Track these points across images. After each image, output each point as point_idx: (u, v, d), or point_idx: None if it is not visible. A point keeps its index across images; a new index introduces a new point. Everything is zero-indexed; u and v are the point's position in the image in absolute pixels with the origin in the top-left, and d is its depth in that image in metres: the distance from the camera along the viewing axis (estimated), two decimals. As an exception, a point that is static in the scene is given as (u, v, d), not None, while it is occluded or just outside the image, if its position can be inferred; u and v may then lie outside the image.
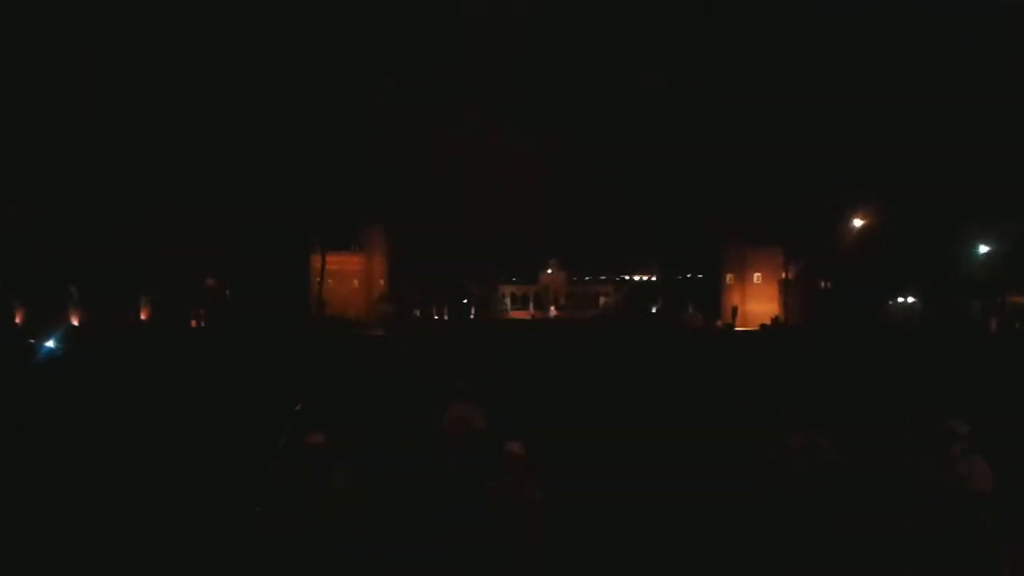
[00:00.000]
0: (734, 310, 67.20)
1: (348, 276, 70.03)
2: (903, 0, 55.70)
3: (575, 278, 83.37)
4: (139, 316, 51.72)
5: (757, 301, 67.87)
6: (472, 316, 74.89)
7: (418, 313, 70.20)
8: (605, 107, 67.79)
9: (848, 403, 14.40)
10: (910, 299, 56.55)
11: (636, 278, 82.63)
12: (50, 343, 29.90)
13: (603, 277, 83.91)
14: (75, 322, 45.58)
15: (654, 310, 73.85)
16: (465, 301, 77.78)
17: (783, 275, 66.05)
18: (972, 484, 5.97)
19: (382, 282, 72.42)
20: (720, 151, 60.02)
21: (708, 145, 60.41)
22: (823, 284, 63.55)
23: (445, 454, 9.20)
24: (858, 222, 57.11)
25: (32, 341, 30.43)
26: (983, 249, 51.63)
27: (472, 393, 9.71)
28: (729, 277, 71.19)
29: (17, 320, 42.92)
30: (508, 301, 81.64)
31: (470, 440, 9.15)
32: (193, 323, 53.88)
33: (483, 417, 9.48)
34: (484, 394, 9.94)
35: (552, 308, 79.29)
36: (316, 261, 63.63)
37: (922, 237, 50.55)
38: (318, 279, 62.71)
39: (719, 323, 65.65)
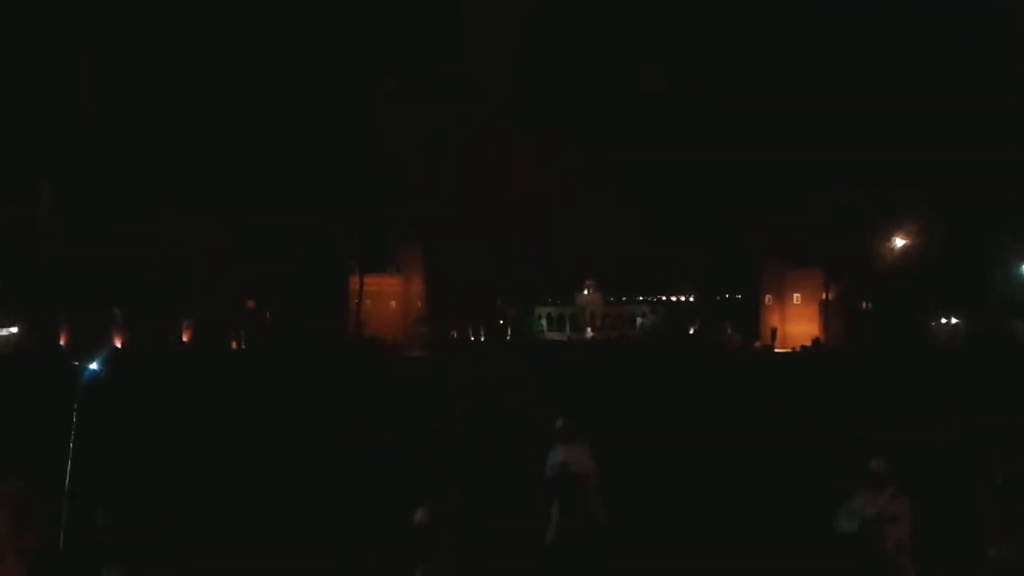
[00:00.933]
0: (773, 331, 66.45)
1: (386, 297, 70.30)
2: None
3: (611, 299, 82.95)
4: (181, 337, 52.42)
5: (797, 322, 66.98)
6: (508, 337, 74.90)
7: (455, 334, 70.32)
8: (640, 121, 67.38)
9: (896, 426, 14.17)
10: (953, 320, 55.58)
11: (673, 299, 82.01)
12: (94, 365, 30.34)
13: (640, 298, 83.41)
14: (118, 344, 46.29)
15: (692, 331, 73.29)
16: (501, 322, 77.80)
17: (823, 296, 65.12)
18: None
19: (419, 303, 72.60)
20: (758, 172, 59.72)
21: (746, 165, 60.05)
22: (864, 305, 62.61)
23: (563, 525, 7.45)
24: (900, 242, 56.35)
25: (77, 363, 30.90)
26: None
27: (577, 434, 8.12)
28: (768, 298, 70.39)
29: (62, 342, 43.69)
30: (544, 322, 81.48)
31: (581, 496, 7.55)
32: (234, 344, 54.48)
33: (595, 466, 7.88)
34: (590, 433, 8.37)
35: (589, 329, 78.99)
36: (354, 283, 64.05)
37: (965, 258, 49.75)
38: (356, 300, 63.12)
39: (758, 344, 64.98)
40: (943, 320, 56.52)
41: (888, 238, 56.91)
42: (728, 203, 63.73)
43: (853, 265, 59.97)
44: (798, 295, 68.21)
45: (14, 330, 42.64)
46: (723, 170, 62.17)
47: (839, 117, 55.49)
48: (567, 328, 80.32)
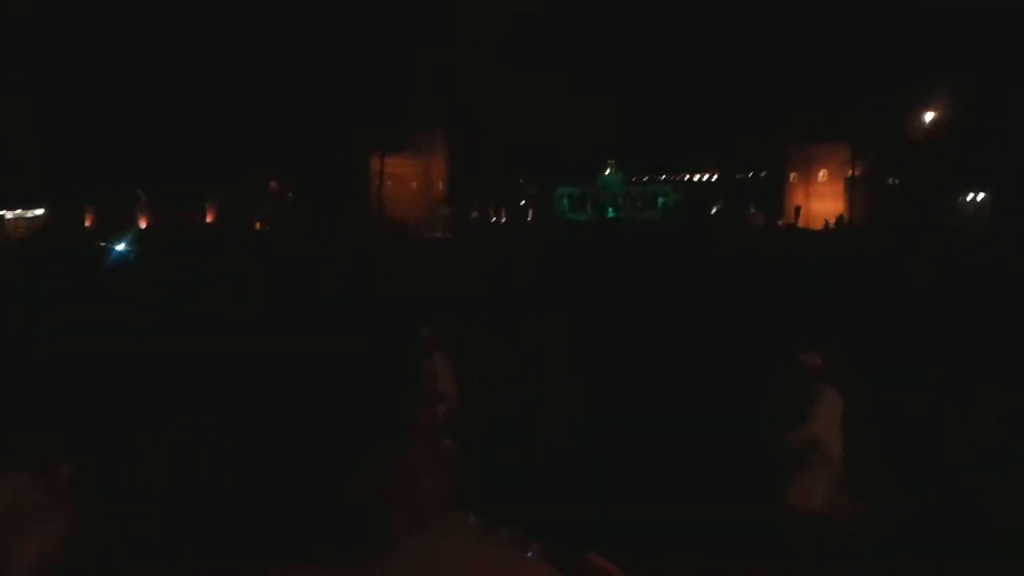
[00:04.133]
0: (797, 209, 65.83)
1: (407, 179, 69.95)
2: None
3: (633, 178, 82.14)
4: (205, 218, 52.95)
5: (821, 200, 66.03)
6: (530, 218, 74.96)
7: (476, 215, 70.40)
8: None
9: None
10: (979, 196, 54.77)
11: (696, 178, 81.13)
12: (121, 246, 30.92)
13: (662, 177, 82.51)
14: (143, 225, 46.88)
15: (714, 210, 72.86)
16: (523, 203, 77.68)
17: (849, 172, 63.89)
18: None
19: (440, 185, 72.38)
20: (784, 41, 58.10)
21: (772, 35, 58.42)
22: (892, 181, 61.57)
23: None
24: (929, 115, 54.95)
25: (103, 244, 31.49)
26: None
27: (437, 347, 7.90)
28: (792, 175, 69.35)
29: (87, 224, 44.30)
30: (566, 203, 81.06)
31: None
32: (258, 225, 54.93)
33: (449, 376, 7.75)
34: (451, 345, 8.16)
35: (610, 209, 78.63)
36: (375, 164, 63.82)
37: (993, 131, 48.59)
38: (377, 182, 63.05)
39: (780, 223, 64.66)
40: (969, 197, 55.69)
41: (917, 112, 55.49)
42: (752, 78, 62.38)
43: (881, 140, 58.68)
44: (824, 172, 66.98)
45: (40, 212, 43.22)
46: (747, 45, 60.56)
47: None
48: (588, 208, 79.88)
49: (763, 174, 74.33)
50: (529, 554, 2.32)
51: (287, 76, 52.72)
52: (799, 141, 66.97)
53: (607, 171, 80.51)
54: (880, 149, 59.96)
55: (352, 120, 58.45)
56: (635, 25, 65.50)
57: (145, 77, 47.42)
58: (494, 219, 72.80)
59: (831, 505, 5.63)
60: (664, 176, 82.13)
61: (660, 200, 78.84)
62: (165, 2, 49.33)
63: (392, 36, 57.04)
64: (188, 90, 48.63)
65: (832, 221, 59.77)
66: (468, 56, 58.41)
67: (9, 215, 42.76)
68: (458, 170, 70.21)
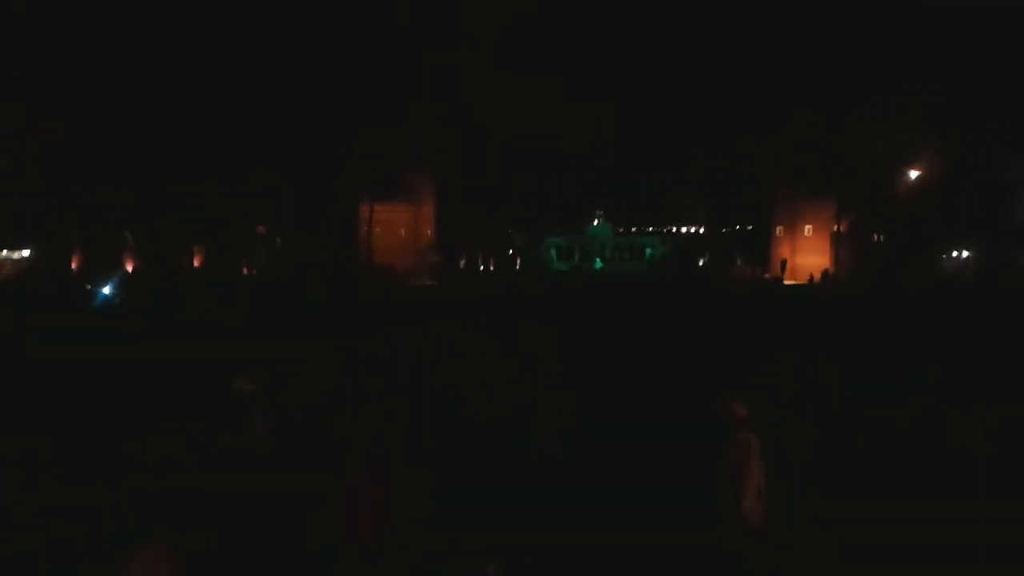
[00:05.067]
0: (783, 263, 66.32)
1: (396, 225, 70.11)
2: None
3: (621, 229, 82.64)
4: (192, 263, 52.73)
5: (807, 254, 66.57)
6: (517, 267, 75.15)
7: (463, 263, 70.51)
8: (650, 49, 66.47)
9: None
10: (964, 253, 55.31)
11: (684, 230, 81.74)
12: (107, 289, 30.78)
13: (650, 228, 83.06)
14: (130, 268, 46.63)
15: (701, 263, 73.28)
16: (511, 252, 77.93)
17: (835, 228, 64.50)
18: None
19: (429, 232, 72.53)
20: (770, 98, 59.07)
21: (758, 92, 59.38)
22: (876, 237, 62.15)
23: None
24: (913, 173, 55.72)
25: (89, 287, 31.33)
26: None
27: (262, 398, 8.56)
28: (779, 229, 69.94)
29: (73, 266, 44.01)
30: (553, 252, 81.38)
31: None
32: (245, 270, 54.75)
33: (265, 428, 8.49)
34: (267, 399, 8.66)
35: (598, 260, 78.97)
36: (364, 211, 64.01)
37: (978, 189, 49.27)
38: (366, 228, 63.19)
39: (767, 276, 65.12)
40: (954, 253, 56.24)
41: (903, 169, 56.26)
42: (740, 133, 63.15)
43: (866, 196, 59.37)
44: (809, 227, 67.58)
45: (26, 253, 42.94)
46: (734, 98, 61.54)
47: (853, 44, 54.51)
48: (576, 258, 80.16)
49: (750, 228, 75.01)
50: None
51: (275, 118, 52.86)
52: (786, 196, 67.72)
53: (595, 222, 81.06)
54: (865, 205, 60.63)
55: (342, 164, 58.73)
56: (623, 74, 66.47)
57: (133, 116, 47.45)
58: (482, 267, 72.92)
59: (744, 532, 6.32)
60: (652, 228, 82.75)
61: (648, 251, 79.27)
62: (146, 44, 49.44)
63: (376, 80, 57.46)
64: (176, 129, 48.63)
65: (817, 275, 60.21)
66: (458, 103, 59.04)
67: (-6, 255, 42.52)
68: (446, 218, 70.42)
